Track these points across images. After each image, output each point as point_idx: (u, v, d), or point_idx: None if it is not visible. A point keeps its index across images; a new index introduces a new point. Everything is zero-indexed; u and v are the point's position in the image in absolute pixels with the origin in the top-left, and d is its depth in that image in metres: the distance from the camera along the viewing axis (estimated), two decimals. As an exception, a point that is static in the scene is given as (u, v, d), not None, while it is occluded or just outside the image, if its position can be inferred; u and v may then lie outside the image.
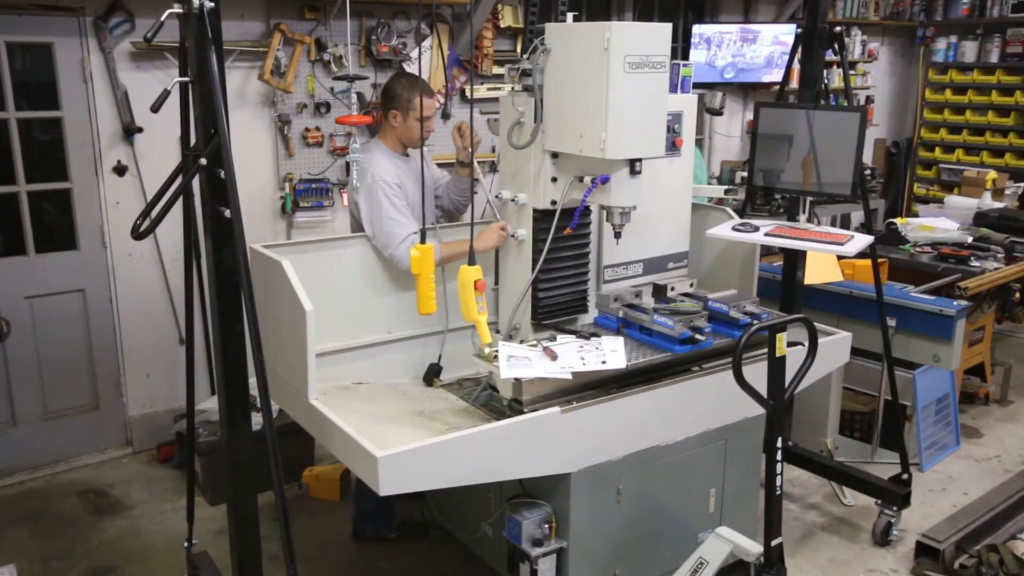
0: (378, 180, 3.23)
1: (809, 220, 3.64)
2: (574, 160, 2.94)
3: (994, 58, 7.96)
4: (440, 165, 3.92)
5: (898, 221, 5.47)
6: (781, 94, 4.28)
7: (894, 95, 8.68)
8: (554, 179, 3.04)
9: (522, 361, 2.71)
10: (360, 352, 3.19)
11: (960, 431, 4.85)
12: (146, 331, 4.59)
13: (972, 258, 4.88)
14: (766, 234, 3.42)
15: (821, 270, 4.41)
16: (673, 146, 3.31)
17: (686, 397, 3.01)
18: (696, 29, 6.59)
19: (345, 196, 4.97)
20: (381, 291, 3.24)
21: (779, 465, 2.71)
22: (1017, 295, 4.91)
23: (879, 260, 3.78)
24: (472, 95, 3.87)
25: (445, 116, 5.26)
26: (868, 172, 7.10)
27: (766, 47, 6.65)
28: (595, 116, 2.73)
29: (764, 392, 2.67)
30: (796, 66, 3.82)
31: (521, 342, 2.88)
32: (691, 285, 3.51)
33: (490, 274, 3.31)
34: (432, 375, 3.24)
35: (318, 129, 4.84)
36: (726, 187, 3.81)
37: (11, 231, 4.24)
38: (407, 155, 3.47)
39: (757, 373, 2.69)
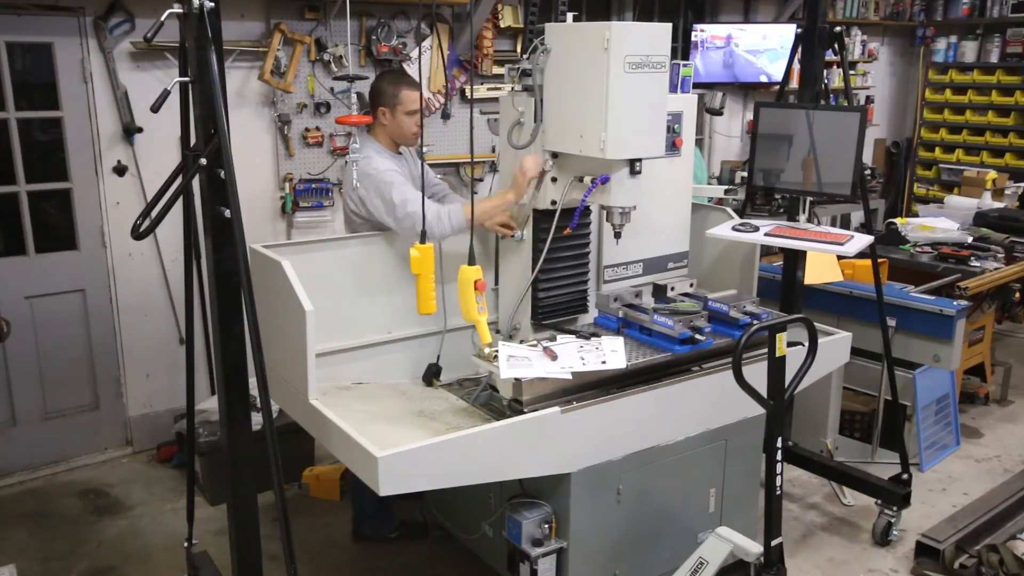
0: (380, 171, 3.23)
1: (809, 220, 3.63)
2: (574, 160, 2.94)
3: (994, 58, 7.96)
4: (434, 166, 3.89)
5: (898, 221, 5.47)
6: (781, 94, 4.28)
7: (894, 95, 8.68)
8: (554, 179, 3.04)
9: (522, 361, 2.71)
10: (360, 352, 3.19)
11: (960, 431, 4.85)
12: (146, 331, 4.59)
13: (972, 258, 4.88)
14: (766, 234, 3.42)
15: (821, 270, 4.41)
16: (673, 146, 3.31)
17: (686, 397, 3.00)
18: (696, 29, 6.59)
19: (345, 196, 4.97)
20: (381, 291, 3.24)
21: (779, 465, 2.71)
22: (1017, 295, 4.91)
23: (879, 260, 3.78)
24: (472, 95, 3.86)
25: (445, 116, 5.27)
26: (868, 172, 7.07)
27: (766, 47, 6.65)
28: (595, 116, 2.73)
29: (764, 392, 2.67)
30: (796, 66, 3.82)
31: (521, 342, 2.88)
32: (691, 285, 3.51)
33: (490, 274, 3.31)
34: (432, 375, 3.23)
35: (318, 129, 4.84)
36: (726, 187, 3.80)
37: (11, 231, 4.24)
38: (399, 153, 3.49)
39: (757, 373, 2.69)
